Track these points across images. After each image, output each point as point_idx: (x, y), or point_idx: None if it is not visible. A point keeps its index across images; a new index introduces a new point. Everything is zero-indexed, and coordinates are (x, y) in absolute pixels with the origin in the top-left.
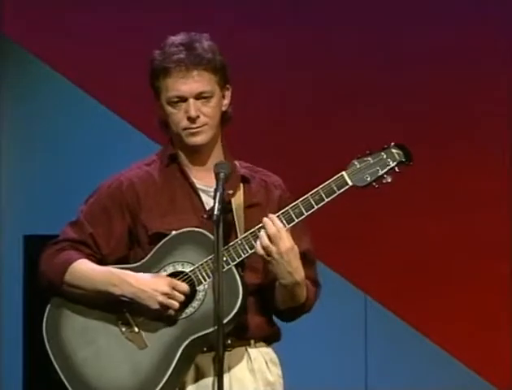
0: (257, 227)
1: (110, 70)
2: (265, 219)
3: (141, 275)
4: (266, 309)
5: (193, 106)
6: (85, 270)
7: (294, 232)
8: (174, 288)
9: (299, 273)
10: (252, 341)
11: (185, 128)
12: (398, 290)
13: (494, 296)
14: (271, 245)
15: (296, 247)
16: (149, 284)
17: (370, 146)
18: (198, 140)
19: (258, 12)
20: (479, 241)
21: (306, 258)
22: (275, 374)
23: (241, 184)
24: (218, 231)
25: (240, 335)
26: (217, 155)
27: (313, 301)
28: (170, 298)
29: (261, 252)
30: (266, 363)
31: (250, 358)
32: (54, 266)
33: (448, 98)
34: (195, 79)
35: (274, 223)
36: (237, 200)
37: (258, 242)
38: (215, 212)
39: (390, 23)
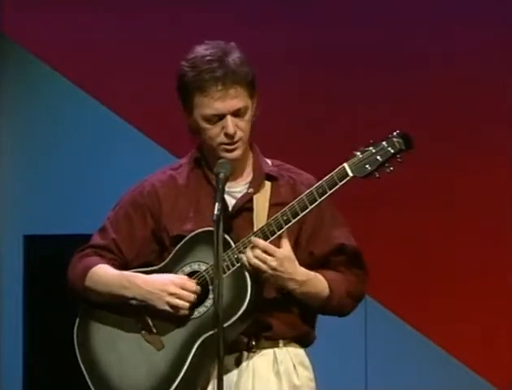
0: (265, 223)
1: (111, 70)
2: (251, 240)
3: (150, 276)
4: (295, 309)
5: (231, 123)
6: (102, 274)
7: (322, 229)
8: (183, 288)
9: (299, 274)
10: (281, 342)
11: (221, 144)
12: (398, 290)
13: (494, 296)
14: (262, 265)
15: (288, 253)
16: (157, 285)
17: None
18: (235, 155)
19: (258, 12)
20: (479, 241)
21: (341, 251)
22: (303, 377)
23: (268, 183)
24: (218, 230)
25: (266, 335)
26: (243, 158)
27: (346, 289)
28: (178, 298)
29: (255, 273)
30: (294, 366)
31: (277, 360)
32: (76, 272)
33: (450, 98)
34: (232, 96)
35: (257, 244)
36: (262, 198)
37: (244, 263)
38: (215, 212)
39: (391, 23)
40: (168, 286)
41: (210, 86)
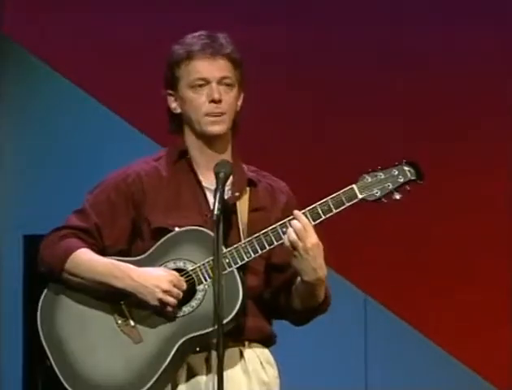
0: (262, 231)
1: (110, 70)
2: (294, 213)
3: (143, 269)
4: (263, 312)
5: (217, 89)
6: (88, 259)
7: None
8: (174, 285)
9: (323, 270)
10: (246, 342)
11: (207, 114)
12: (398, 290)
13: (494, 296)
14: (298, 240)
15: (321, 244)
16: (151, 280)
17: (370, 150)
18: (219, 129)
19: (258, 11)
20: (479, 241)
21: None
22: (270, 374)
23: (248, 188)
24: (218, 230)
25: (234, 336)
26: (226, 157)
27: (329, 302)
28: (170, 295)
29: (288, 245)
30: (261, 363)
31: (244, 359)
32: (56, 253)
33: (449, 99)
34: (219, 63)
35: (300, 219)
36: (243, 203)
37: (285, 236)
38: (215, 212)
39: (392, 23)
40: (162, 282)
41: (198, 52)
